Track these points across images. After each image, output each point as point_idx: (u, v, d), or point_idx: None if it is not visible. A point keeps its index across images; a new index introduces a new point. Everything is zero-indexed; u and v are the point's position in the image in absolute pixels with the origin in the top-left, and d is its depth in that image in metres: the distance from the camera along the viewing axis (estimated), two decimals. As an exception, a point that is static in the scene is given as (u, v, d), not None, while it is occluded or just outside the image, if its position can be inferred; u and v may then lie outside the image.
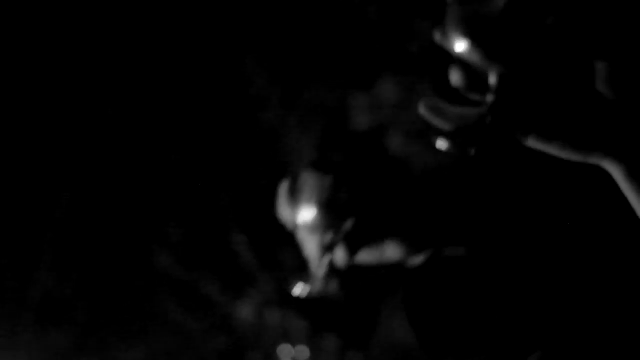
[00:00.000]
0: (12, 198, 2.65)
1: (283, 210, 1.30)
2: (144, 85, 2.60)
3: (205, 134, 2.64)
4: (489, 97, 0.83)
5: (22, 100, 2.65)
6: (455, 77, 0.84)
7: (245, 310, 2.57)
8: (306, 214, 1.36)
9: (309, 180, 1.38)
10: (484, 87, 0.84)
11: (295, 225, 1.18)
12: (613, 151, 0.86)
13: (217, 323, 2.60)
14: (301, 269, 1.34)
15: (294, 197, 1.30)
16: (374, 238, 1.35)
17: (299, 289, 1.30)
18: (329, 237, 1.34)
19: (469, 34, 0.82)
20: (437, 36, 0.85)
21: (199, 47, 2.54)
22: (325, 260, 1.30)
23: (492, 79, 0.84)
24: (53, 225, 2.69)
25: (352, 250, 1.31)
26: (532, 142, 0.86)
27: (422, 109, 0.85)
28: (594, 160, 0.88)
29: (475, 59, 0.82)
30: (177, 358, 2.61)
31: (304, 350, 2.37)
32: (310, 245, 1.32)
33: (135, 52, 2.57)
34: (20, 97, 2.63)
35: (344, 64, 2.33)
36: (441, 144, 0.83)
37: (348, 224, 1.27)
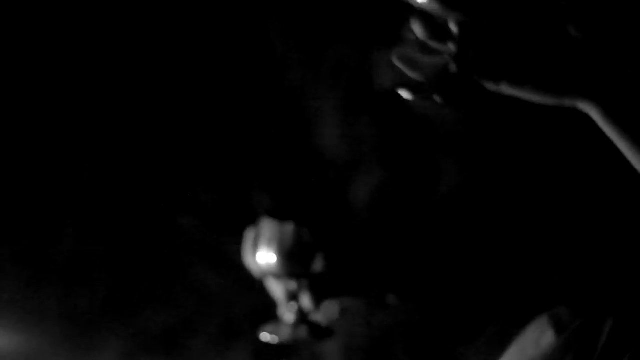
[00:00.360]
0: (37, 160, 2.65)
1: (248, 259, 1.29)
2: (166, 50, 2.58)
3: (230, 99, 2.62)
4: (452, 46, 0.81)
5: (51, 75, 2.64)
6: (417, 28, 0.83)
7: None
8: (269, 263, 1.34)
9: (269, 229, 1.36)
10: (447, 35, 0.82)
11: (262, 273, 1.16)
12: (588, 91, 0.84)
13: (245, 286, 2.58)
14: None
15: (257, 246, 1.29)
16: (340, 283, 1.33)
17: (267, 337, 1.29)
18: (293, 284, 1.33)
19: None
20: None
21: (219, 9, 2.51)
22: (292, 307, 1.28)
23: (454, 27, 0.82)
24: (78, 187, 2.69)
25: (319, 297, 1.30)
26: (504, 89, 0.85)
27: (394, 59, 0.84)
28: (569, 102, 0.86)
29: (435, 7, 0.80)
30: (205, 322, 2.61)
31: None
32: (277, 293, 1.30)
33: (155, 16, 2.55)
34: (49, 73, 2.63)
35: (367, 22, 2.29)
36: (406, 94, 0.82)
37: (313, 270, 1.25)
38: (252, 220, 2.54)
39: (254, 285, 2.63)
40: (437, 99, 0.82)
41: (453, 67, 0.82)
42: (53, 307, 2.63)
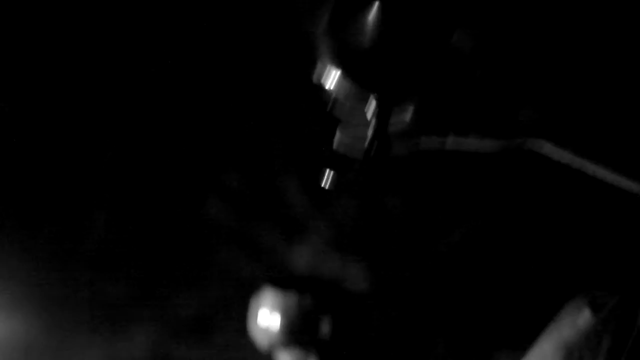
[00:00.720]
0: (68, 150, 2.66)
1: (254, 331, 1.29)
2: (194, 35, 2.58)
3: (257, 81, 2.61)
4: (372, 124, 0.81)
5: (78, 65, 2.65)
6: (337, 111, 0.82)
7: (300, 258, 2.56)
8: (275, 334, 1.33)
9: (272, 299, 1.35)
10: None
11: (269, 345, 1.16)
12: (535, 129, 0.84)
13: (272, 271, 2.59)
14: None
15: (261, 317, 1.29)
16: (347, 347, 1.34)
17: None
18: (301, 352, 1.33)
19: (342, 65, 0.80)
20: (315, 76, 0.83)
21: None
22: None
23: (370, 108, 0.81)
24: (107, 176, 2.70)
25: None
26: (451, 145, 0.84)
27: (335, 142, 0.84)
28: (516, 144, 0.86)
29: (351, 90, 0.80)
30: (234, 306, 2.61)
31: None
32: None
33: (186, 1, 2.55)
34: (74, 57, 2.63)
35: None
36: (328, 183, 0.83)
37: (319, 337, 1.24)
38: (280, 205, 2.55)
39: (282, 269, 2.64)
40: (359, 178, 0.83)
41: (375, 144, 0.82)
42: (84, 294, 2.65)
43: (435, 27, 0.80)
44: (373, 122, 0.83)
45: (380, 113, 0.83)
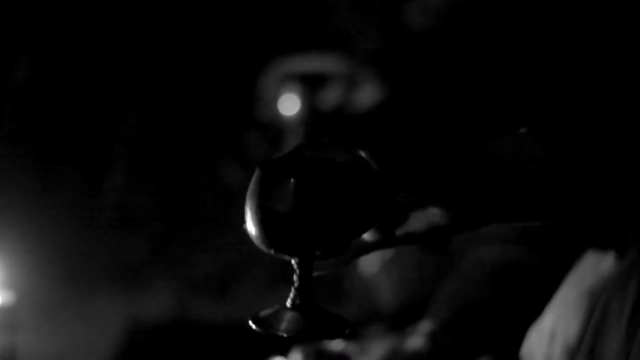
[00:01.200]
0: (87, 102, 2.66)
1: None
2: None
3: (274, 41, 2.61)
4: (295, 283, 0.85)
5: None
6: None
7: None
8: None
9: None
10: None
11: None
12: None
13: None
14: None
15: None
16: None
17: None
18: None
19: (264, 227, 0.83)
20: None
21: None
22: None
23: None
24: (125, 135, 2.70)
25: None
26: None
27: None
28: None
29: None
30: (253, 266, 2.61)
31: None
32: None
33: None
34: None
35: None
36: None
37: None
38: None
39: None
40: None
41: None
42: (103, 253, 2.65)
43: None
44: (295, 281, 0.85)
45: (301, 274, 0.85)
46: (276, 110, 2.16)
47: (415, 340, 1.52)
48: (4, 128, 2.58)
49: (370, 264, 1.86)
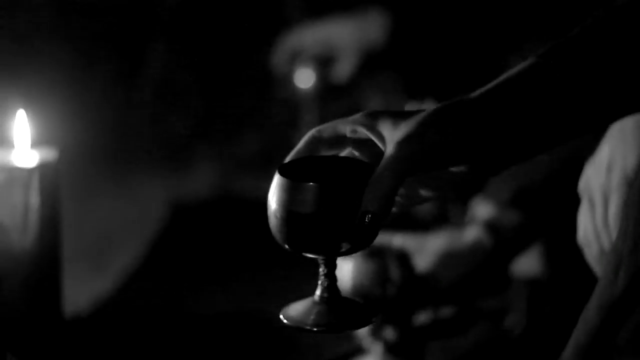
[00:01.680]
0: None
1: None
2: None
3: None
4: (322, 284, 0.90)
5: None
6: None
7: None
8: None
9: None
10: None
11: None
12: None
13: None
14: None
15: None
16: None
17: None
18: None
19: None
20: None
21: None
22: None
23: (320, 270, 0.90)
24: (169, 12, 2.66)
25: None
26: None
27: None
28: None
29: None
30: (296, 141, 2.58)
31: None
32: None
33: None
34: None
35: None
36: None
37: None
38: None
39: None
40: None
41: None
42: (147, 130, 2.63)
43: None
44: (323, 282, 0.90)
45: (329, 272, 0.89)
46: (293, 84, 2.13)
47: (473, 230, 1.51)
48: (47, 14, 2.54)
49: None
